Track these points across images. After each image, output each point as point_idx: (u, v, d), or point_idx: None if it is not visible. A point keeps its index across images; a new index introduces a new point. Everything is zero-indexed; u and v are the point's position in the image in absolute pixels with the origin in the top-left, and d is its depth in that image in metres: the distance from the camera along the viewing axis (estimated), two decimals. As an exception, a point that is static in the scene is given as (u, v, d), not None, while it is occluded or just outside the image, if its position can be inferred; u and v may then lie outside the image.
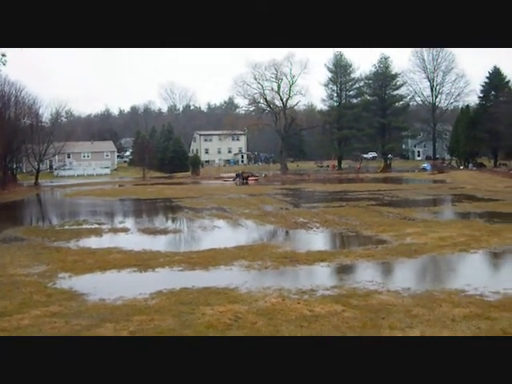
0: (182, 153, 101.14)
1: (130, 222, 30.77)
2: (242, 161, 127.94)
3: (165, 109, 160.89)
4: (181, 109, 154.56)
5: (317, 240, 23.17)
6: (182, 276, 16.27)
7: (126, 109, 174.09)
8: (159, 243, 22.67)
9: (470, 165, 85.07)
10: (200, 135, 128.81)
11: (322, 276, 16.02)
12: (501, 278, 16.35)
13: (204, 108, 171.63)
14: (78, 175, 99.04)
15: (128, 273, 16.86)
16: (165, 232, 26.21)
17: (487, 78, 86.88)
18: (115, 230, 26.85)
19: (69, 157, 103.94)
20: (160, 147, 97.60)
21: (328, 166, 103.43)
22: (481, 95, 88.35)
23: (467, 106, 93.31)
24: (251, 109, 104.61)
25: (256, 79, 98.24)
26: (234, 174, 76.95)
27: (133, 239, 24.03)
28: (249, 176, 73.91)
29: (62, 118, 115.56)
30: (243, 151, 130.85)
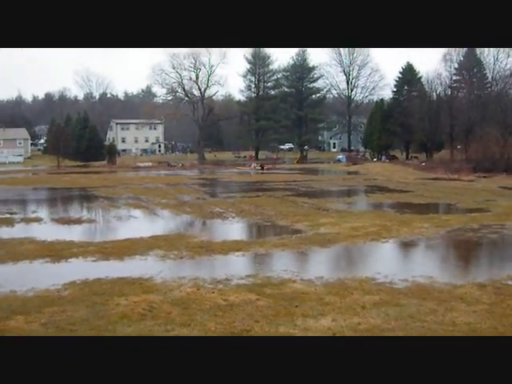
0: (98, 141, 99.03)
1: (43, 212, 29.99)
2: (159, 150, 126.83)
3: (81, 96, 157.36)
4: (97, 96, 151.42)
5: (232, 230, 23.31)
6: (96, 266, 16.04)
7: (41, 95, 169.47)
8: (73, 233, 22.21)
9: (383, 157, 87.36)
10: (117, 124, 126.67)
11: (236, 265, 16.15)
12: (409, 266, 16.95)
13: (121, 96, 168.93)
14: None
15: (40, 263, 16.48)
16: (79, 222, 25.69)
17: (400, 73, 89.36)
18: (28, 220, 26.10)
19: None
20: (75, 135, 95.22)
21: (245, 157, 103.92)
22: (394, 89, 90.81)
23: (381, 99, 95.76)
24: (169, 98, 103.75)
25: (174, 68, 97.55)
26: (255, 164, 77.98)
27: (46, 229, 23.49)
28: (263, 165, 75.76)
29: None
30: (160, 140, 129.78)
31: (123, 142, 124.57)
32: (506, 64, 78.95)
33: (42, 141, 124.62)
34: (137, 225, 25.03)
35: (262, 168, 72.14)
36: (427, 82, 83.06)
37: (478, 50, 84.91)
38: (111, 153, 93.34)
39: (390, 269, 15.41)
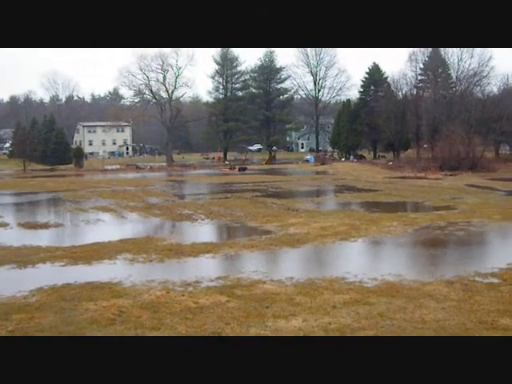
0: (64, 145, 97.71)
1: (9, 217, 29.48)
2: (127, 153, 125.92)
3: (47, 99, 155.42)
4: (64, 99, 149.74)
5: (202, 232, 23.24)
6: (64, 271, 15.86)
7: (5, 98, 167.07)
8: (40, 238, 21.92)
9: (351, 157, 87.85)
10: (83, 126, 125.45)
11: (206, 267, 16.11)
12: (379, 264, 17.07)
13: (88, 98, 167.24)
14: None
15: (6, 269, 16.23)
16: (46, 226, 25.38)
17: (367, 73, 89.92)
18: (-7, 226, 25.70)
19: None
20: (42, 139, 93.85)
21: (214, 158, 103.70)
22: (361, 90, 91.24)
23: (348, 100, 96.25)
24: (136, 100, 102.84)
25: (142, 70, 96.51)
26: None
27: (12, 234, 23.14)
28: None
29: None
30: (128, 143, 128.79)
31: (90, 144, 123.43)
32: (470, 64, 79.99)
33: (8, 145, 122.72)
34: (105, 228, 24.80)
35: (244, 170, 71.79)
36: (393, 82, 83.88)
37: (443, 51, 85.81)
38: (78, 156, 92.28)
39: (360, 268, 15.52)
